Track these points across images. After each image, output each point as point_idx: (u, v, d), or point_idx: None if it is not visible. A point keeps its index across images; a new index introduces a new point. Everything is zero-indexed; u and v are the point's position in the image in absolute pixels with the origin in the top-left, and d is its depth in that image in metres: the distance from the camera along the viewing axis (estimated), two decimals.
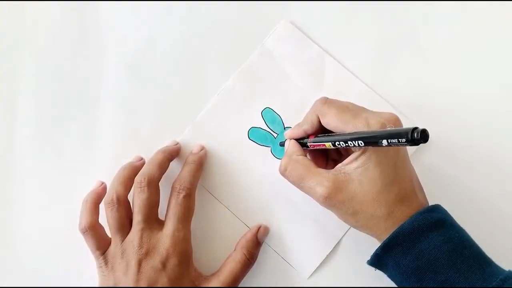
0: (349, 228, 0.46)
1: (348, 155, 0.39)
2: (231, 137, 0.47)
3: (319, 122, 0.40)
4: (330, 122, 0.39)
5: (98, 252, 0.42)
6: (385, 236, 0.37)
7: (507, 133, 0.47)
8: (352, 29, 0.47)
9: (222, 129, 0.47)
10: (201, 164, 0.45)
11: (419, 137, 0.30)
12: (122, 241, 0.42)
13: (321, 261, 0.46)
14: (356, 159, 0.38)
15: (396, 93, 0.47)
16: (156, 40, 0.48)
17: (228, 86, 0.47)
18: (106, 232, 0.43)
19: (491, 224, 0.46)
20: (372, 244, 0.45)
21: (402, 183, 0.38)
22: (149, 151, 0.45)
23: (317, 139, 0.41)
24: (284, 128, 0.47)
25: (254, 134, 0.47)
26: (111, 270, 0.41)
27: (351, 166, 0.38)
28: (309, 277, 0.46)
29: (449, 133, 0.46)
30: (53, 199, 0.47)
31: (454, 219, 0.38)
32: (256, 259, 0.45)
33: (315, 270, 0.46)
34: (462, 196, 0.46)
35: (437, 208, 0.38)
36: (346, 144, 0.37)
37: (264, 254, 0.46)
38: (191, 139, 0.47)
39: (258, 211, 0.46)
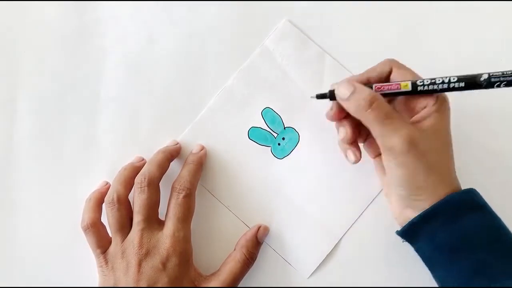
0: (349, 228, 0.46)
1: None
2: (231, 137, 0.47)
3: (389, 74, 0.39)
4: (407, 75, 0.38)
5: (98, 251, 0.42)
6: (427, 206, 0.37)
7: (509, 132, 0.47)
8: (352, 29, 0.47)
9: (222, 129, 0.47)
10: (201, 164, 0.45)
11: None
12: (123, 241, 0.42)
13: (321, 260, 0.46)
14: (430, 115, 0.37)
15: None
16: (156, 40, 0.48)
17: (228, 86, 0.47)
18: (108, 231, 0.43)
19: None
20: (372, 244, 0.46)
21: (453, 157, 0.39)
22: (150, 151, 0.45)
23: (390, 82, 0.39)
24: (284, 128, 0.47)
25: (254, 134, 0.47)
26: (111, 269, 0.41)
27: (425, 123, 0.37)
28: (309, 276, 0.46)
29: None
30: (53, 200, 0.47)
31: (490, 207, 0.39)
32: (256, 259, 0.45)
33: (315, 270, 0.46)
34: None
35: (477, 192, 0.39)
36: (433, 86, 0.35)
37: (264, 254, 0.46)
38: (191, 139, 0.47)
39: (258, 210, 0.46)
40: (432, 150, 0.37)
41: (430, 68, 0.47)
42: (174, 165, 0.46)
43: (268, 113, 0.47)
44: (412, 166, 0.37)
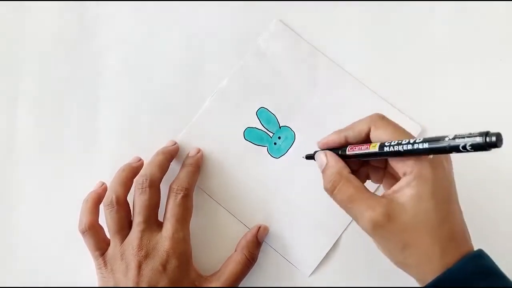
0: (348, 224, 0.46)
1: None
2: (227, 138, 0.47)
3: (367, 134, 0.37)
4: (383, 135, 0.35)
5: (97, 253, 0.42)
6: (430, 278, 0.34)
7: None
8: (344, 27, 0.48)
9: (217, 130, 0.47)
10: (198, 167, 0.46)
11: (495, 140, 0.27)
12: (121, 242, 0.41)
13: (322, 258, 0.46)
14: (409, 185, 0.34)
15: (388, 87, 0.47)
16: (155, 40, 0.48)
17: (222, 87, 0.47)
18: (106, 233, 0.43)
19: (492, 228, 0.46)
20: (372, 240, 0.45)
21: (454, 220, 0.35)
22: (149, 151, 0.45)
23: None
24: (280, 127, 0.47)
25: (250, 134, 0.47)
26: (111, 271, 0.41)
27: (404, 193, 0.34)
28: (310, 275, 0.46)
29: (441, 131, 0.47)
30: (53, 200, 0.47)
31: (499, 267, 0.35)
32: (256, 259, 0.45)
33: (316, 268, 0.46)
34: (464, 198, 0.46)
35: (484, 254, 0.35)
36: (399, 148, 0.33)
37: (265, 254, 0.46)
38: (187, 141, 0.47)
39: (256, 211, 0.46)
40: (410, 225, 0.34)
41: (422, 62, 0.48)
42: (172, 167, 0.46)
43: (263, 113, 0.47)
44: (384, 245, 0.36)
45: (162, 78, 0.48)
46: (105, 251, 0.42)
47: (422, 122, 0.47)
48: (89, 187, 0.45)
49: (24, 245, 0.47)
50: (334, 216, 0.46)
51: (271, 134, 0.47)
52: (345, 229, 0.46)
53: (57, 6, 0.48)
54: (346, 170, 0.37)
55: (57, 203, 0.47)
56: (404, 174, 0.34)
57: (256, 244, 0.45)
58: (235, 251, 0.45)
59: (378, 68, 0.47)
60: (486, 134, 0.28)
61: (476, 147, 0.28)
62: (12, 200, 0.47)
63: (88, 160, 0.47)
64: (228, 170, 0.47)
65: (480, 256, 0.34)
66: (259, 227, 0.46)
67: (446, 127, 0.46)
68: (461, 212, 0.36)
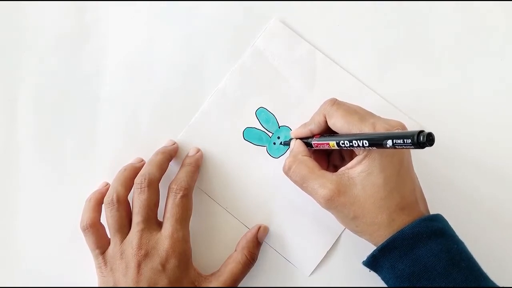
0: None
1: (351, 160, 0.39)
2: (226, 138, 0.47)
3: (326, 122, 0.41)
4: (336, 123, 0.39)
5: (97, 251, 0.42)
6: (380, 240, 0.38)
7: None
8: (343, 26, 0.48)
9: (216, 130, 0.47)
10: (198, 166, 0.46)
11: (425, 140, 0.30)
12: (121, 241, 0.42)
13: (322, 257, 0.46)
14: (360, 162, 0.38)
15: (388, 87, 0.47)
16: (155, 41, 0.48)
17: (221, 87, 0.47)
18: (107, 232, 0.43)
19: (492, 226, 0.46)
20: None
21: (404, 191, 0.38)
22: (150, 151, 0.45)
23: (321, 138, 0.41)
24: (279, 127, 0.47)
25: (249, 135, 0.47)
26: (110, 270, 0.41)
27: (355, 170, 0.38)
28: (311, 274, 0.46)
29: (443, 132, 0.47)
30: (53, 200, 0.47)
31: (453, 230, 0.39)
32: (256, 259, 0.45)
33: (316, 267, 0.46)
34: (464, 198, 0.46)
35: (438, 218, 0.39)
36: (351, 144, 0.37)
37: (265, 254, 0.46)
38: (187, 142, 0.47)
39: (256, 211, 0.46)
40: (358, 198, 0.38)
41: (422, 64, 0.47)
42: (171, 167, 0.46)
43: (262, 113, 0.47)
44: (338, 216, 0.40)
45: (162, 78, 0.48)
46: (105, 250, 0.42)
47: (422, 122, 0.46)
48: (89, 187, 0.46)
49: (25, 245, 0.47)
50: (333, 217, 0.46)
51: (270, 134, 0.47)
52: (345, 229, 0.46)
53: (57, 6, 0.48)
54: (301, 154, 0.42)
55: (58, 203, 0.47)
56: (357, 153, 0.38)
57: (256, 244, 0.45)
58: (235, 251, 0.45)
59: (378, 68, 0.47)
60: (417, 137, 0.30)
61: (411, 146, 0.31)
62: (13, 201, 0.47)
63: (88, 160, 0.47)
64: (228, 170, 0.47)
65: (432, 219, 0.38)
66: (259, 227, 0.46)
67: (446, 127, 0.47)
68: (414, 183, 0.39)
